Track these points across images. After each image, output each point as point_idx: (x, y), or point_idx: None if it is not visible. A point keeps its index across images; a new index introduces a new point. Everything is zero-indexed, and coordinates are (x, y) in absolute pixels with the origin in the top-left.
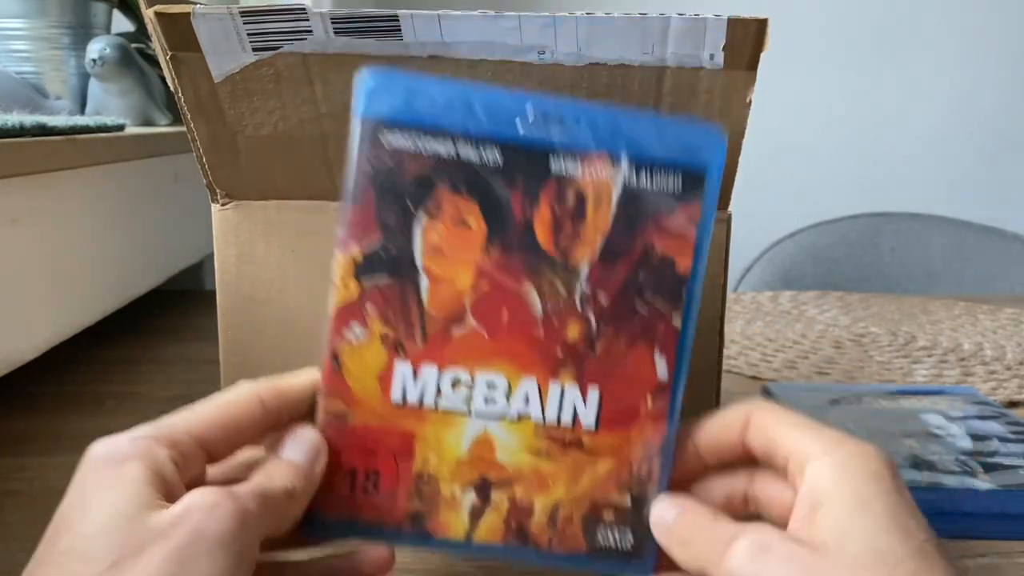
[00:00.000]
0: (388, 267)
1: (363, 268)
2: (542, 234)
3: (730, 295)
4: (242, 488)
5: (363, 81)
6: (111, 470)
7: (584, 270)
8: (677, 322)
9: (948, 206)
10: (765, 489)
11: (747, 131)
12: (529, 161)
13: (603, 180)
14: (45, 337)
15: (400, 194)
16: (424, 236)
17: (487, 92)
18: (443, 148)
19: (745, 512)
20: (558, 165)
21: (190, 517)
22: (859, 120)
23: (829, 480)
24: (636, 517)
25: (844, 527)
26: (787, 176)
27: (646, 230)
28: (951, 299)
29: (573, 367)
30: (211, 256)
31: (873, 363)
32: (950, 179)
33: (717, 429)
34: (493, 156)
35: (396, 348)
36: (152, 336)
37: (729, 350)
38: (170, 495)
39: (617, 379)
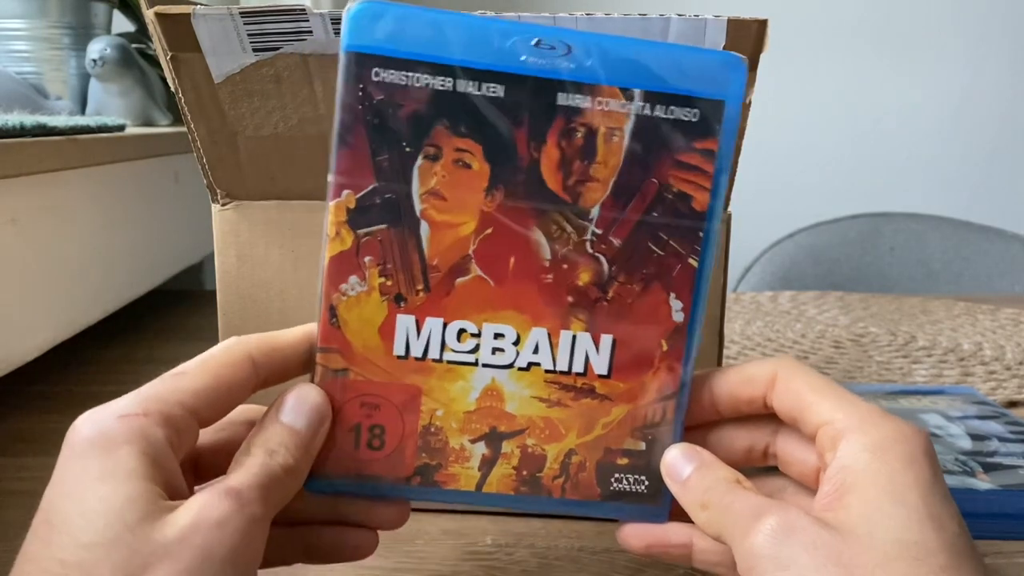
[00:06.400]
0: (384, 214)
1: (357, 215)
2: (549, 174)
3: (730, 295)
4: (245, 480)
5: (348, 10)
6: (102, 457)
7: (595, 211)
8: (694, 262)
9: (948, 206)
10: (789, 448)
11: (747, 131)
12: (535, 95)
13: (614, 114)
14: (45, 337)
15: (394, 134)
16: (422, 179)
17: (489, 20)
18: (440, 82)
19: (764, 465)
20: (566, 99)
21: (197, 534)
22: (859, 120)
23: (863, 462)
24: (650, 462)
25: (876, 516)
26: (787, 176)
27: (661, 166)
28: (951, 299)
29: (584, 313)
30: (211, 256)
31: (873, 363)
32: (950, 179)
33: (738, 382)
34: (495, 90)
35: (397, 300)
36: (152, 336)
37: (729, 350)
38: (169, 485)
39: (631, 324)
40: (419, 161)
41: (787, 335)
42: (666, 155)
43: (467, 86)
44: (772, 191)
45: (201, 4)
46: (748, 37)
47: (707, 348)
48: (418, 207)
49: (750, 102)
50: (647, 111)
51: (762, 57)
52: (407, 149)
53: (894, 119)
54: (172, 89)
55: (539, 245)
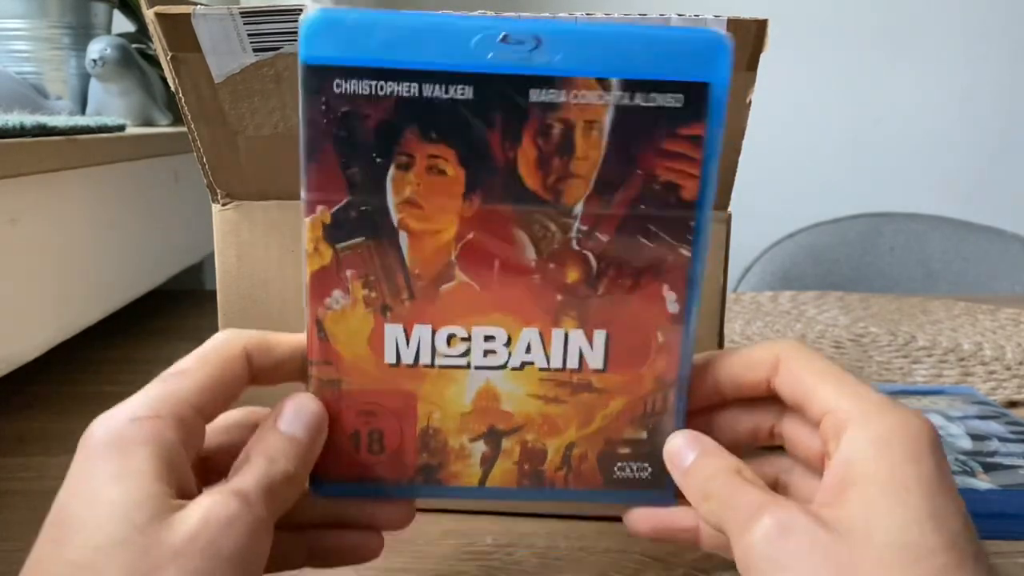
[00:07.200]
0: (361, 226)
1: (334, 230)
2: (528, 174)
3: (730, 295)
4: (250, 483)
5: (303, 22)
6: (116, 459)
7: (578, 207)
8: (686, 252)
9: (948, 206)
10: (794, 431)
11: (747, 131)
12: (505, 93)
13: (592, 106)
14: (45, 337)
15: (363, 146)
16: (396, 189)
17: (449, 19)
18: (405, 88)
19: (770, 445)
20: (539, 95)
21: (205, 533)
22: (859, 120)
23: (866, 456)
24: (653, 449)
25: (875, 515)
26: (787, 176)
27: (645, 157)
28: (951, 299)
29: (575, 311)
30: (211, 256)
31: (873, 363)
32: (950, 179)
33: (741, 366)
34: (464, 92)
35: (383, 311)
36: (152, 336)
37: None
38: (180, 485)
39: (624, 318)
40: (391, 171)
41: (787, 335)
42: (650, 144)
43: (434, 90)
44: (772, 191)
45: (201, 4)
46: (748, 38)
47: (707, 348)
48: (395, 217)
49: (750, 102)
50: (626, 100)
51: (762, 57)
52: (378, 160)
53: (894, 119)
54: (172, 89)
55: (523, 246)
